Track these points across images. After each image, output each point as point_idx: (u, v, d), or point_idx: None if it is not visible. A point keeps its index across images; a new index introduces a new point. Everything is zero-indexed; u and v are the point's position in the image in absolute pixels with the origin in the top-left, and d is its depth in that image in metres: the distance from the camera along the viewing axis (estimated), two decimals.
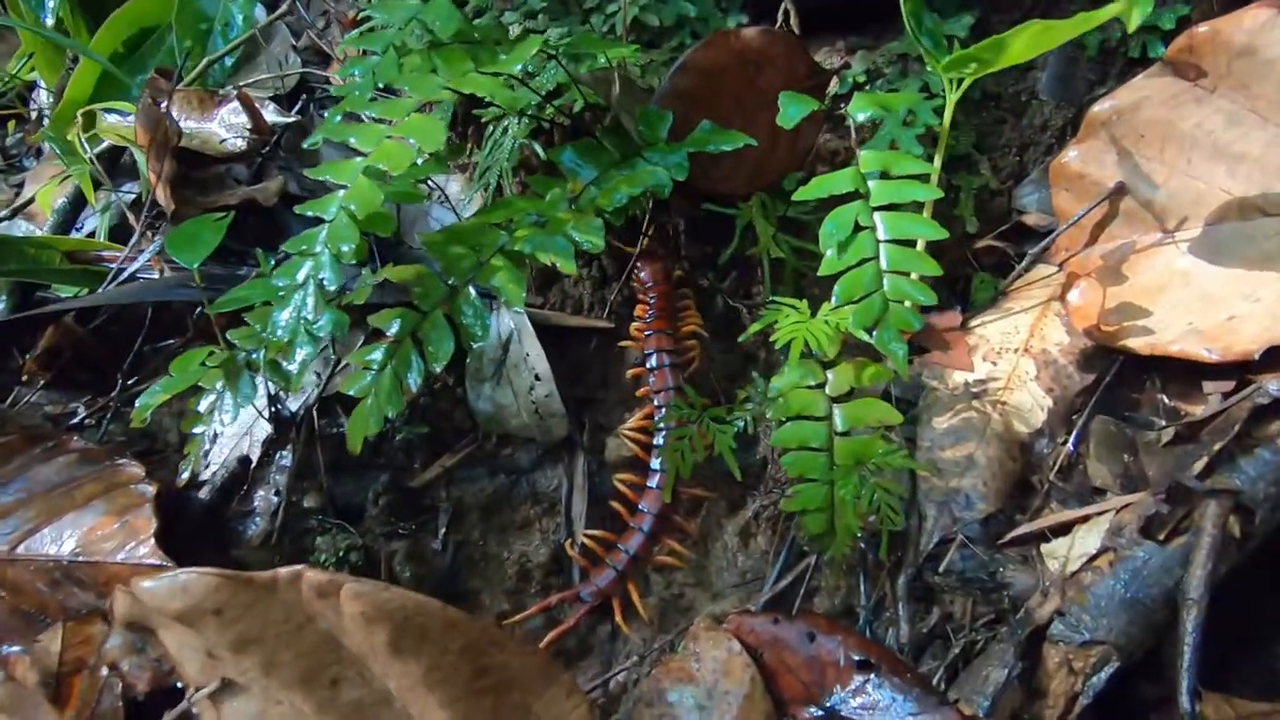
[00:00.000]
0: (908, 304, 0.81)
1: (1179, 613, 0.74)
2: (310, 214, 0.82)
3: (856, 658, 0.87)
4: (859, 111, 0.86)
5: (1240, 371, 0.85)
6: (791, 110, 0.86)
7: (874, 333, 0.82)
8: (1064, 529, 0.88)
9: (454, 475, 1.14)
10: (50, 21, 1.61)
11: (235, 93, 1.34)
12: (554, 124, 1.15)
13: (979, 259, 1.17)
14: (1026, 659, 0.78)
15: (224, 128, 1.37)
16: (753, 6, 1.25)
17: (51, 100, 1.60)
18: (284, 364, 0.86)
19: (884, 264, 0.81)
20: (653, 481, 1.02)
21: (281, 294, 0.81)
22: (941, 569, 0.90)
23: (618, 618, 0.99)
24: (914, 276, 0.81)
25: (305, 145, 0.95)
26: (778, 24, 1.21)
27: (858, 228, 0.81)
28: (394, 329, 0.84)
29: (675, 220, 1.21)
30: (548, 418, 1.13)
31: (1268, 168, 0.89)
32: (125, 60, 1.54)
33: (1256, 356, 0.82)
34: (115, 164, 1.45)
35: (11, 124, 1.89)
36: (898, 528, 0.90)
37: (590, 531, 1.05)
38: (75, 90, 1.45)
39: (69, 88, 1.45)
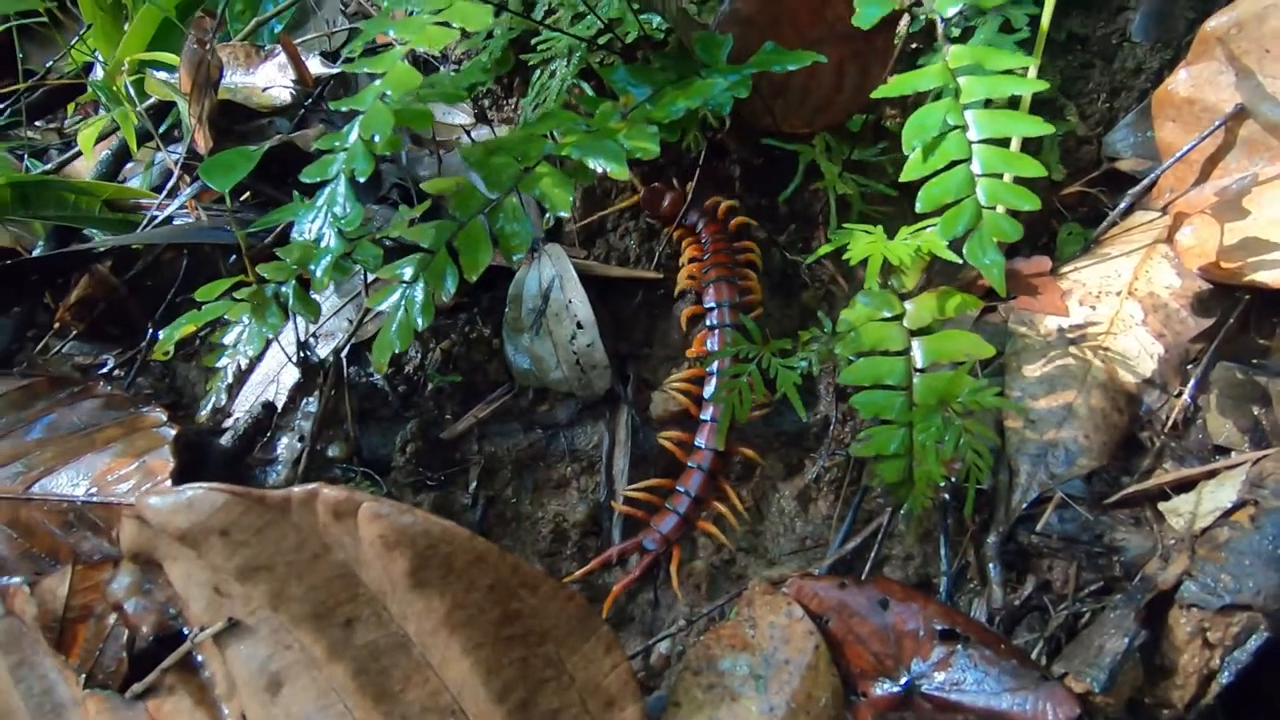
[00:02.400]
0: (1007, 211, 0.71)
1: None
2: (346, 108, 0.76)
3: (939, 627, 0.75)
4: (947, 6, 0.78)
5: None
6: (869, 10, 0.78)
7: (964, 246, 0.72)
8: (1185, 487, 0.76)
9: (486, 429, 1.06)
10: None
11: (281, 48, 1.32)
12: (603, 62, 1.09)
13: (1066, 209, 1.06)
14: (1148, 628, 0.66)
15: (268, 81, 1.34)
16: None
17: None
18: (312, 288, 0.80)
19: (977, 168, 0.71)
20: (707, 414, 0.92)
21: (296, 205, 0.75)
22: (1038, 530, 0.78)
23: (673, 570, 0.88)
24: (1010, 179, 0.72)
25: (347, 51, 0.90)
26: None
27: (946, 128, 0.72)
28: (429, 240, 0.77)
29: (731, 166, 1.13)
30: (589, 370, 1.05)
31: None
32: (177, 25, 1.54)
33: None
34: (160, 128, 1.44)
35: (71, 106, 1.92)
36: (985, 483, 0.79)
37: (637, 485, 0.95)
38: (128, 47, 1.45)
39: (122, 45, 1.45)
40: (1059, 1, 1.10)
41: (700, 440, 0.92)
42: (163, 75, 1.39)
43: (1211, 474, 0.74)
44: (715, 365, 0.95)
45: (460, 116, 1.33)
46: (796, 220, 1.12)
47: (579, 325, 1.05)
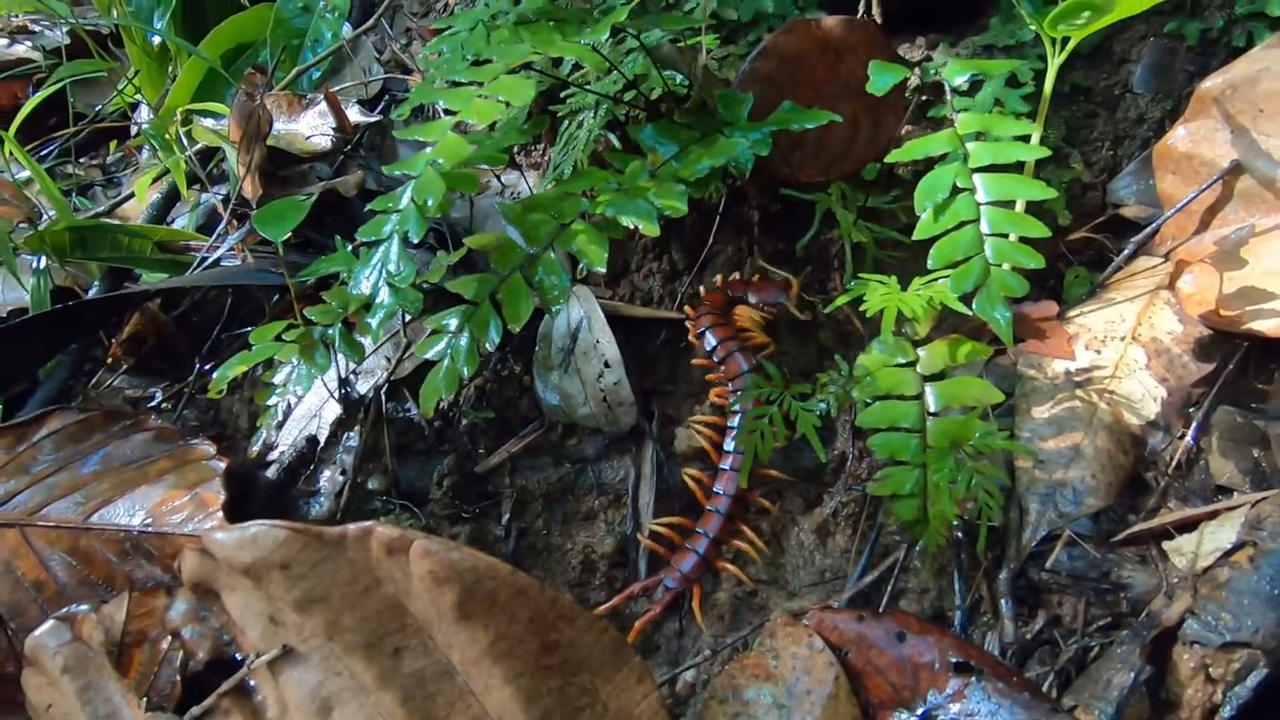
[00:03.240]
0: (1011, 268, 0.76)
1: None
2: (399, 174, 0.83)
3: (954, 660, 0.79)
4: (955, 75, 0.83)
5: None
6: (882, 78, 0.84)
7: (974, 300, 0.77)
8: (1189, 526, 0.80)
9: (518, 463, 1.12)
10: (157, 42, 1.72)
11: (322, 97, 1.40)
12: (629, 116, 1.15)
13: (1072, 254, 1.11)
14: (1154, 663, 0.70)
15: (309, 128, 1.42)
16: (832, 3, 1.25)
17: (152, 115, 1.70)
18: (357, 332, 0.86)
19: (985, 227, 0.76)
20: (726, 464, 0.97)
21: (365, 250, 0.81)
22: (1048, 567, 0.82)
23: (695, 605, 0.93)
24: (1015, 238, 0.77)
25: (394, 115, 0.97)
26: (859, 15, 1.20)
27: (955, 190, 0.77)
28: (473, 292, 0.83)
29: (750, 212, 1.18)
30: (615, 407, 1.10)
31: None
32: (222, 73, 1.62)
33: None
34: (206, 169, 1.51)
35: (113, 143, 2.02)
36: (996, 521, 0.83)
37: (661, 520, 1.00)
38: (176, 96, 1.54)
39: (171, 94, 1.54)
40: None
41: (719, 487, 0.97)
42: (209, 122, 1.47)
43: (1213, 515, 0.78)
44: (736, 413, 0.99)
45: (506, 159, 1.40)
46: (813, 263, 1.17)
47: (606, 364, 1.10)
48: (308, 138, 1.41)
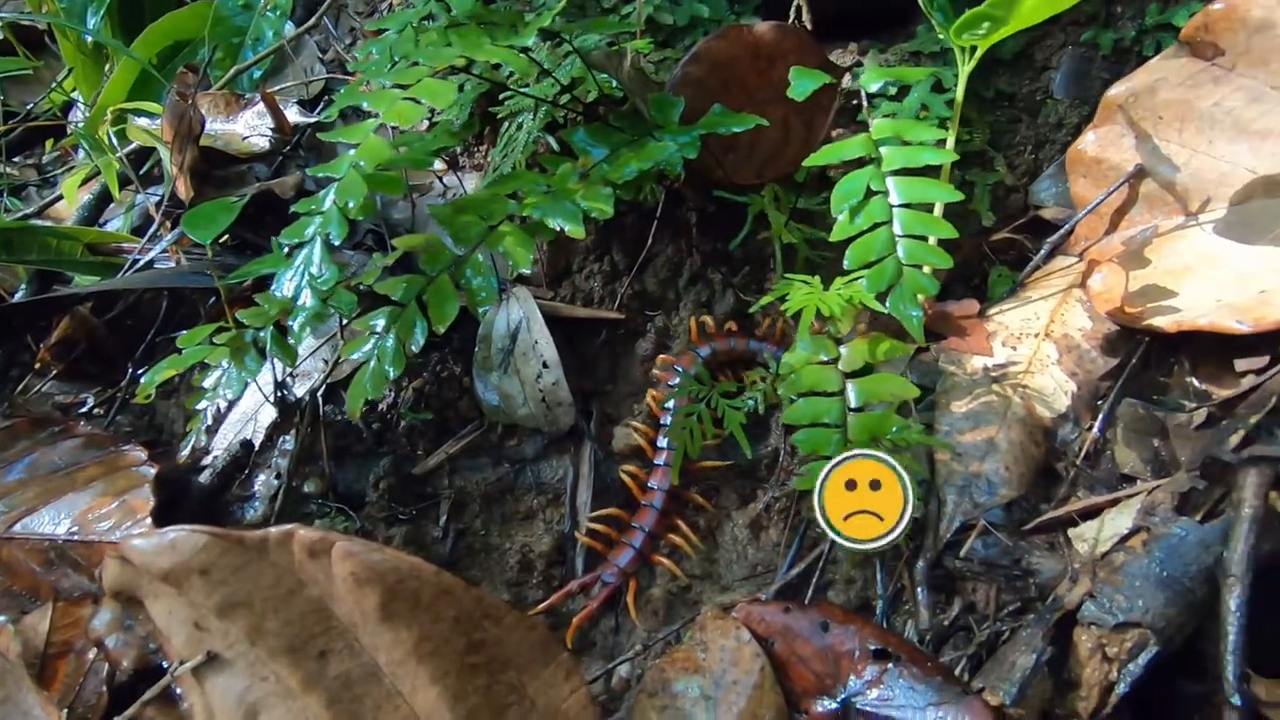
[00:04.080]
0: (923, 269, 0.79)
1: (1220, 592, 0.69)
2: (322, 175, 0.83)
3: (873, 647, 0.81)
4: (871, 82, 0.86)
5: (1273, 347, 0.82)
6: (803, 83, 0.86)
7: (887, 299, 0.80)
8: (1092, 514, 0.83)
9: (457, 464, 1.12)
10: (90, 41, 1.68)
11: (260, 96, 1.38)
12: (566, 119, 1.16)
13: (996, 253, 1.15)
14: (1056, 645, 0.73)
15: (247, 128, 1.40)
16: (766, 10, 1.28)
17: (87, 112, 1.66)
18: (288, 334, 0.85)
19: (897, 229, 0.79)
20: (660, 459, 0.99)
21: (288, 253, 0.81)
22: (963, 555, 0.85)
23: (630, 600, 0.94)
24: (931, 241, 0.80)
25: (322, 117, 0.97)
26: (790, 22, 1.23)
27: (869, 193, 0.80)
28: (400, 294, 0.83)
29: (688, 213, 1.20)
30: (554, 407, 1.11)
31: None
32: (158, 70, 1.59)
33: None
34: (140, 170, 1.48)
35: (49, 142, 1.96)
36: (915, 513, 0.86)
37: (598, 512, 1.01)
38: (110, 95, 1.50)
39: (104, 93, 1.51)
40: (988, 62, 1.20)
41: (654, 482, 0.98)
42: (144, 121, 1.44)
43: (1114, 502, 0.82)
44: (668, 411, 1.01)
45: (434, 163, 1.40)
46: (750, 263, 1.19)
47: (544, 365, 1.11)
48: (245, 138, 1.39)
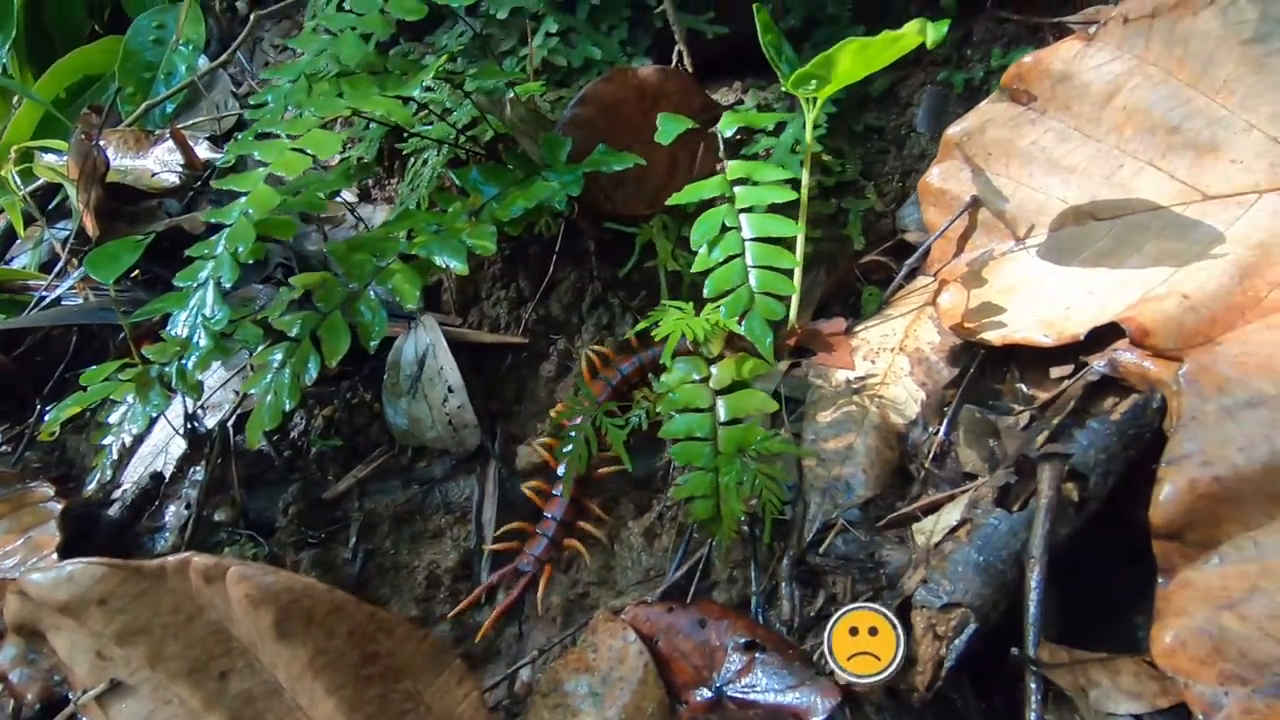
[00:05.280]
0: (773, 295, 0.88)
1: (1024, 572, 0.80)
2: (213, 221, 0.88)
3: (743, 640, 0.90)
4: (727, 128, 0.96)
5: (1077, 356, 0.94)
6: (668, 127, 0.95)
7: (743, 323, 0.89)
8: (936, 509, 0.93)
9: (367, 487, 1.17)
10: None
11: (170, 132, 1.41)
12: (469, 155, 1.23)
13: (867, 274, 1.26)
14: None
15: (158, 164, 1.43)
16: (657, 52, 1.37)
17: None
18: (188, 366, 0.89)
19: (749, 260, 0.88)
20: (561, 469, 1.06)
21: (182, 294, 0.85)
22: (823, 552, 0.94)
23: (543, 583, 1.01)
24: (778, 270, 0.89)
25: (219, 163, 1.01)
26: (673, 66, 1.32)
27: (724, 229, 0.89)
28: (295, 330, 0.88)
29: (586, 242, 1.28)
30: (460, 429, 1.17)
31: (1093, 178, 1.00)
32: (67, 106, 1.60)
33: (1082, 337, 0.90)
34: (49, 204, 1.49)
35: None
36: (781, 514, 0.95)
37: (504, 528, 1.08)
38: (14, 132, 1.51)
39: (8, 130, 1.51)
40: (859, 98, 1.32)
41: (557, 490, 1.06)
42: (51, 158, 1.45)
43: (951, 498, 0.93)
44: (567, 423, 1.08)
45: (346, 194, 1.45)
46: (647, 287, 1.28)
47: (450, 389, 1.17)
48: (155, 174, 1.41)
